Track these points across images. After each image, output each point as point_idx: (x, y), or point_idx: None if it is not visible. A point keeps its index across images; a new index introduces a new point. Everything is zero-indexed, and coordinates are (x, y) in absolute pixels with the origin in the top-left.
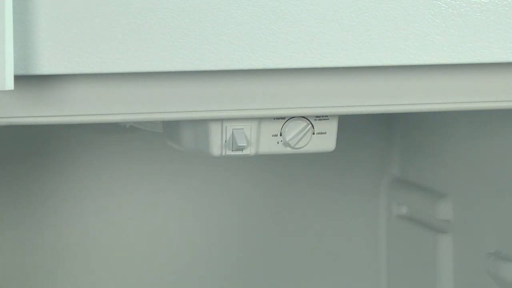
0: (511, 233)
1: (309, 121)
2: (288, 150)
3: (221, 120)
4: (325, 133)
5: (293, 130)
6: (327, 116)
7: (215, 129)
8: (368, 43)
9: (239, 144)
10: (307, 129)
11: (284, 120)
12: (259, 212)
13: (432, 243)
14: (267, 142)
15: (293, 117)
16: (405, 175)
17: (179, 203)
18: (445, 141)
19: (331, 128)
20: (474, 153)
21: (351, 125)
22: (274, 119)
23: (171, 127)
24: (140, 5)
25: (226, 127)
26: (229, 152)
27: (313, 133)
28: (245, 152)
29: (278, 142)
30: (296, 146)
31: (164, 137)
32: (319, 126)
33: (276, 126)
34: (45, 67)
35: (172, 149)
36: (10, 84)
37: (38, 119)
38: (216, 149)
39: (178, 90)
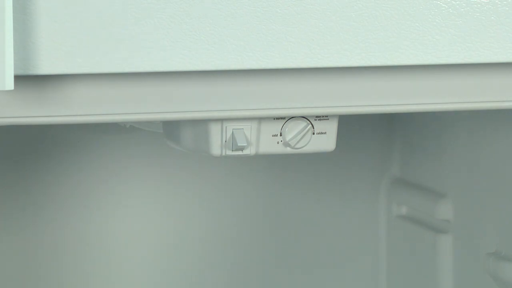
0: (511, 233)
1: (309, 121)
2: (288, 150)
3: (221, 120)
4: (325, 133)
5: (293, 130)
6: (327, 116)
7: (215, 129)
8: (368, 43)
9: (239, 144)
10: (307, 129)
11: (284, 120)
12: (259, 212)
13: (432, 243)
14: (267, 142)
15: (293, 117)
16: (405, 175)
17: (179, 203)
18: (445, 141)
19: (331, 128)
20: (474, 153)
21: (351, 125)
22: (274, 119)
23: (171, 127)
24: (140, 5)
25: (226, 127)
26: (229, 152)
27: (313, 133)
28: (245, 152)
29: (278, 142)
30: (296, 146)
31: (164, 137)
32: (319, 126)
33: (276, 126)
34: (45, 67)
35: (172, 149)
36: (10, 84)
37: (38, 119)
38: (216, 149)
39: (178, 90)
